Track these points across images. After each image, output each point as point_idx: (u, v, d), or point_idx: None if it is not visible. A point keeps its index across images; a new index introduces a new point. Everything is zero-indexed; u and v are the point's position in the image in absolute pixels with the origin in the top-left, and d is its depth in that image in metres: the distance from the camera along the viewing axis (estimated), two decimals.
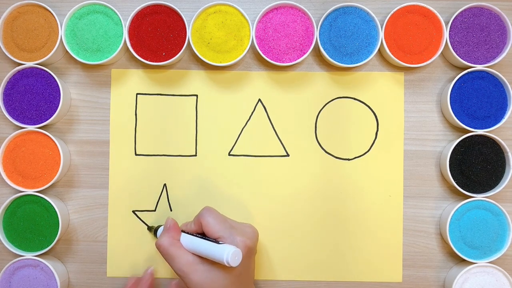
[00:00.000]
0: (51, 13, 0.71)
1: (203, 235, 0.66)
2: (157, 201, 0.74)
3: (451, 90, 0.71)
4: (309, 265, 0.74)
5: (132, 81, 0.75)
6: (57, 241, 0.71)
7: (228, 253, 0.60)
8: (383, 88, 0.74)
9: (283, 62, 0.71)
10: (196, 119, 0.74)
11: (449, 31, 0.72)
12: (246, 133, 0.74)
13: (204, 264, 0.63)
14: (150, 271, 0.72)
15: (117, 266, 0.74)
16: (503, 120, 0.71)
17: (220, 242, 0.63)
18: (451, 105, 0.71)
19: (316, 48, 0.74)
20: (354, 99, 0.74)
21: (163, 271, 0.74)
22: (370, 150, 0.74)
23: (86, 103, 0.75)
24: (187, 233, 0.67)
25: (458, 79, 0.71)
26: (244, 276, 0.65)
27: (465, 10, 0.72)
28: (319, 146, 0.74)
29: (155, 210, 0.74)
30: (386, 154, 0.74)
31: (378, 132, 0.74)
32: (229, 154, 0.74)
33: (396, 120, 0.74)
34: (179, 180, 0.74)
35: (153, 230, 0.72)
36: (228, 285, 0.63)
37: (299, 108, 0.74)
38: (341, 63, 0.71)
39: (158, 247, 0.65)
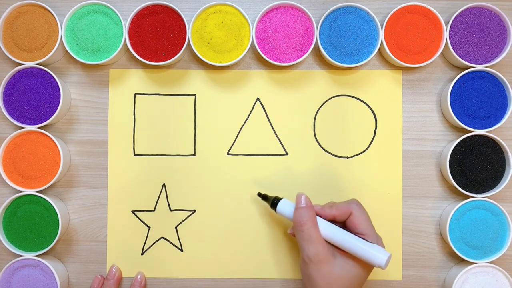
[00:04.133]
0: (51, 13, 0.71)
1: (339, 224, 0.63)
2: (156, 201, 0.74)
3: (451, 90, 0.71)
4: None
5: (130, 81, 0.75)
6: (57, 241, 0.71)
7: (384, 257, 0.58)
8: (380, 86, 0.75)
9: (283, 62, 0.71)
10: (195, 118, 0.74)
11: (449, 31, 0.72)
12: (245, 132, 0.74)
13: (337, 257, 0.61)
14: (115, 270, 0.73)
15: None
16: (503, 120, 0.71)
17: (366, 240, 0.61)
18: (451, 105, 0.71)
19: (316, 48, 0.74)
20: (352, 97, 0.74)
21: (136, 271, 0.74)
22: (369, 148, 0.74)
23: (86, 103, 0.75)
24: (322, 218, 0.64)
25: (458, 79, 0.71)
26: (366, 277, 0.63)
27: (465, 10, 0.72)
28: (317, 145, 0.74)
29: (154, 210, 0.74)
30: (384, 152, 0.74)
31: (377, 130, 0.74)
32: (228, 153, 0.74)
33: (394, 118, 0.74)
34: (178, 180, 0.74)
35: (270, 200, 0.68)
36: (353, 283, 0.61)
37: (298, 107, 0.74)
38: (341, 63, 0.71)
39: (302, 225, 0.61)
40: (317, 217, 0.64)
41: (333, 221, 0.64)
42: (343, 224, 0.64)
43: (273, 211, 0.68)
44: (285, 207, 0.66)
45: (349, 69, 0.74)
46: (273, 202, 0.67)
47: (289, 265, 0.74)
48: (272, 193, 0.73)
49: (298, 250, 0.73)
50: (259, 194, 0.70)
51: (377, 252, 0.59)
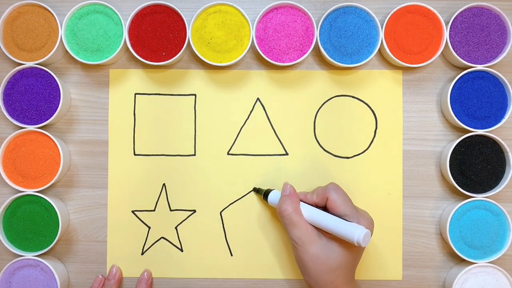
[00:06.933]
0: (51, 13, 0.71)
1: (322, 209, 0.65)
2: (156, 201, 0.74)
3: (451, 90, 0.71)
4: None
5: (130, 81, 0.75)
6: (57, 241, 0.71)
7: (361, 233, 0.59)
8: (381, 86, 0.74)
9: (283, 62, 0.71)
10: (195, 118, 0.74)
11: (449, 31, 0.72)
12: (245, 132, 0.74)
13: (322, 238, 0.63)
14: (116, 270, 0.73)
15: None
16: (503, 120, 0.71)
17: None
18: (451, 105, 0.71)
19: (316, 48, 0.74)
20: (353, 97, 0.74)
21: (136, 271, 0.74)
22: (369, 148, 0.74)
23: (86, 103, 0.75)
24: (305, 203, 0.66)
25: (458, 79, 0.71)
26: (356, 259, 0.65)
27: (465, 10, 0.72)
28: (318, 145, 0.74)
29: (154, 210, 0.74)
30: (385, 152, 0.74)
31: (377, 130, 0.74)
32: (228, 153, 0.74)
33: (394, 118, 0.74)
34: (178, 180, 0.74)
35: (262, 192, 0.71)
36: (342, 264, 0.62)
37: (298, 107, 0.74)
38: (341, 63, 0.71)
39: (282, 211, 0.64)
40: (302, 203, 0.66)
41: (317, 206, 0.66)
42: (326, 209, 0.66)
43: (266, 203, 0.72)
44: (273, 197, 0.69)
45: (349, 69, 0.74)
46: (265, 193, 0.71)
47: (290, 265, 0.74)
48: None
49: None
50: (254, 189, 0.73)
51: (353, 229, 0.60)
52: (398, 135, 0.74)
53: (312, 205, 0.66)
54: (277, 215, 0.66)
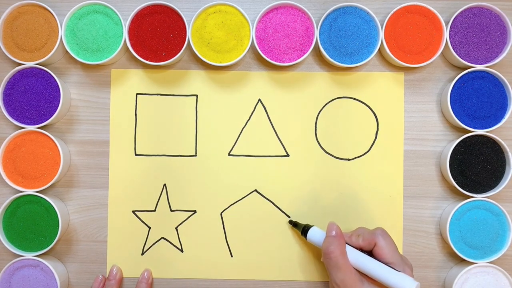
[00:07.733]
0: (51, 13, 0.71)
1: (367, 253, 0.64)
2: (157, 201, 0.74)
3: (451, 90, 0.71)
4: (308, 266, 0.74)
5: (132, 81, 0.75)
6: (57, 241, 0.71)
7: (412, 285, 0.59)
8: (383, 88, 0.74)
9: (283, 62, 0.71)
10: (196, 119, 0.74)
11: (449, 31, 0.72)
12: (246, 133, 0.74)
13: (365, 283, 0.62)
14: (116, 270, 0.73)
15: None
16: (503, 120, 0.71)
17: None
18: (451, 105, 0.71)
19: (316, 48, 0.74)
20: (354, 99, 0.74)
21: (136, 271, 0.74)
22: (370, 150, 0.74)
23: (86, 103, 0.75)
24: (349, 246, 0.65)
25: (458, 79, 0.71)
26: None
27: (465, 10, 0.72)
28: (319, 146, 0.74)
29: (155, 210, 0.74)
30: (386, 154, 0.74)
31: (378, 132, 0.74)
32: (229, 154, 0.74)
33: (396, 120, 0.74)
34: (179, 180, 0.74)
35: (301, 227, 0.70)
36: None
37: (299, 108, 0.74)
38: (341, 63, 0.71)
39: (329, 253, 0.63)
40: (346, 245, 0.65)
41: (361, 249, 0.65)
42: (370, 253, 0.65)
43: (303, 238, 0.70)
44: (315, 235, 0.68)
45: (349, 69, 0.74)
46: (304, 229, 0.70)
47: (290, 266, 0.74)
48: (273, 196, 0.73)
49: (298, 251, 0.73)
50: (290, 222, 0.73)
51: (403, 280, 0.60)
52: (399, 137, 0.74)
53: (356, 248, 0.65)
54: (322, 255, 0.65)
